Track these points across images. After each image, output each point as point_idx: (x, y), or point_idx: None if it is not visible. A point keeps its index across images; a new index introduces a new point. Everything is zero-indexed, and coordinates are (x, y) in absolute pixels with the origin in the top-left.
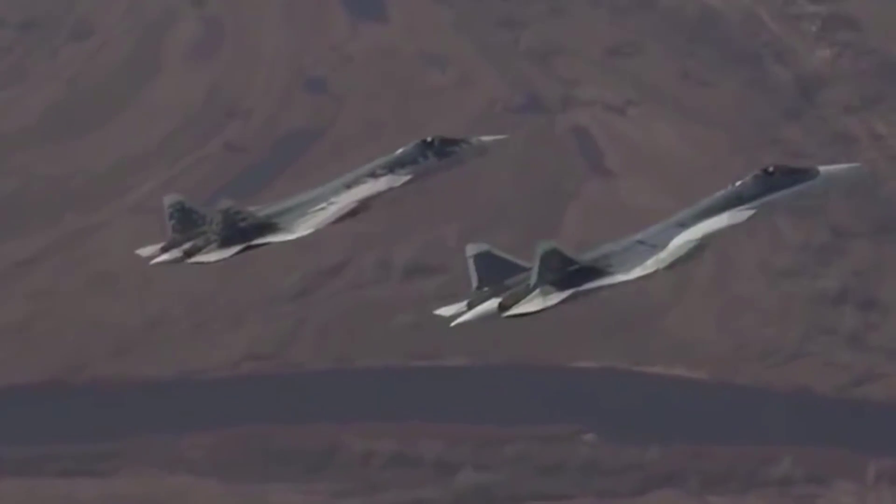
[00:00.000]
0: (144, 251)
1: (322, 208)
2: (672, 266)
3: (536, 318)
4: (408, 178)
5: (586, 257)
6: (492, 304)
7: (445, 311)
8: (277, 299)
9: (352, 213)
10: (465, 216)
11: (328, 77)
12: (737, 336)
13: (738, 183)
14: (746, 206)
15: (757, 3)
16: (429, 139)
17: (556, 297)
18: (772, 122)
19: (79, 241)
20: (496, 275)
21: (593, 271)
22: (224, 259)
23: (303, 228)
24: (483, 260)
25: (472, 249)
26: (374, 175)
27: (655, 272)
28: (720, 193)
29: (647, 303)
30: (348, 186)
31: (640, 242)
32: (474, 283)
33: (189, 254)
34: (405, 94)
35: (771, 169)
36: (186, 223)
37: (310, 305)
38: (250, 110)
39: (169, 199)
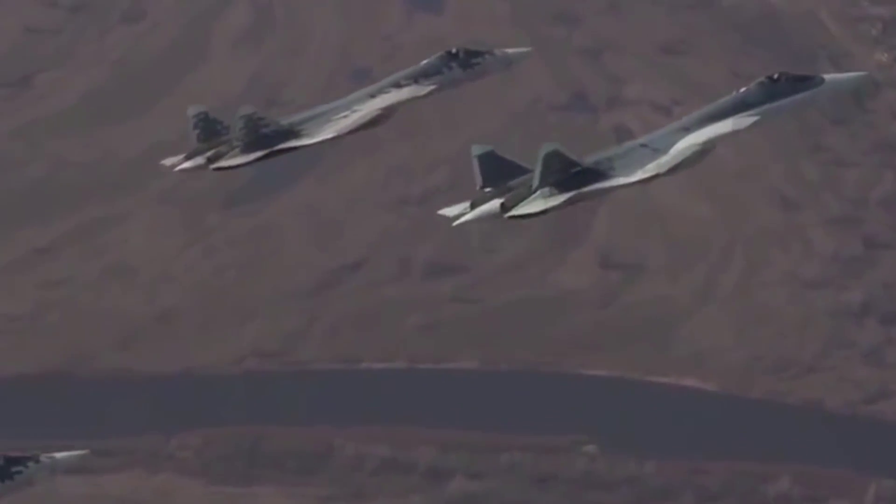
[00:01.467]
0: (168, 161)
1: (345, 116)
2: (673, 170)
3: (554, 323)
4: (432, 87)
5: (589, 160)
6: (494, 204)
7: (448, 211)
8: (292, 295)
9: (374, 122)
10: None
11: (374, 68)
12: (754, 347)
13: (742, 90)
14: (751, 112)
15: (818, 3)
16: (453, 50)
17: (557, 199)
18: (817, 127)
19: (100, 230)
20: (500, 176)
21: (595, 173)
22: (246, 164)
23: (324, 133)
24: (487, 160)
25: (476, 150)
26: (398, 85)
27: (656, 175)
28: (724, 100)
29: (667, 310)
30: (372, 96)
31: (644, 146)
32: (478, 184)
33: (212, 160)
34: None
35: (776, 76)
36: (210, 133)
37: (324, 302)
38: (291, 100)
39: (193, 109)
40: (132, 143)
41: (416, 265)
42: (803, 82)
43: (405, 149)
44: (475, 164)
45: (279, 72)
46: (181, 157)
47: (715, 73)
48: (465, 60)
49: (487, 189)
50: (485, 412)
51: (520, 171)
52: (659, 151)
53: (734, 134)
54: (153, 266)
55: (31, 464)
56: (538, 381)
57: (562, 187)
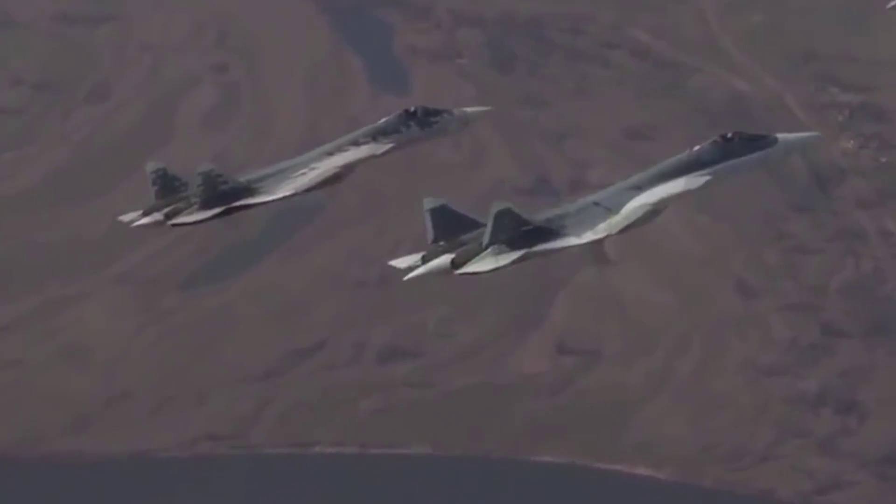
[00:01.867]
0: (125, 217)
1: (303, 174)
2: (624, 230)
3: (507, 408)
4: (390, 146)
5: (540, 217)
6: (445, 259)
7: (400, 262)
8: (247, 378)
9: (332, 179)
10: (449, 300)
11: None
12: (707, 436)
13: (696, 148)
14: (703, 171)
15: (786, 90)
16: (412, 109)
17: (508, 257)
18: (780, 214)
19: (56, 311)
20: (452, 230)
21: (547, 232)
22: (204, 220)
23: (282, 190)
24: (439, 214)
25: (428, 203)
26: (356, 143)
27: (607, 236)
28: (678, 157)
29: (622, 397)
30: (330, 154)
31: (596, 204)
32: (430, 238)
33: (169, 216)
34: (414, 169)
35: (729, 135)
36: (168, 189)
37: (278, 386)
38: None
39: (151, 166)
40: (95, 224)
41: (371, 349)
42: (757, 141)
43: (366, 231)
44: (427, 217)
45: (244, 152)
46: (139, 213)
47: None
48: (424, 119)
49: (440, 243)
50: (437, 498)
51: (473, 225)
52: (611, 210)
53: (687, 193)
54: (107, 348)
55: None
56: (491, 466)
57: (513, 245)
